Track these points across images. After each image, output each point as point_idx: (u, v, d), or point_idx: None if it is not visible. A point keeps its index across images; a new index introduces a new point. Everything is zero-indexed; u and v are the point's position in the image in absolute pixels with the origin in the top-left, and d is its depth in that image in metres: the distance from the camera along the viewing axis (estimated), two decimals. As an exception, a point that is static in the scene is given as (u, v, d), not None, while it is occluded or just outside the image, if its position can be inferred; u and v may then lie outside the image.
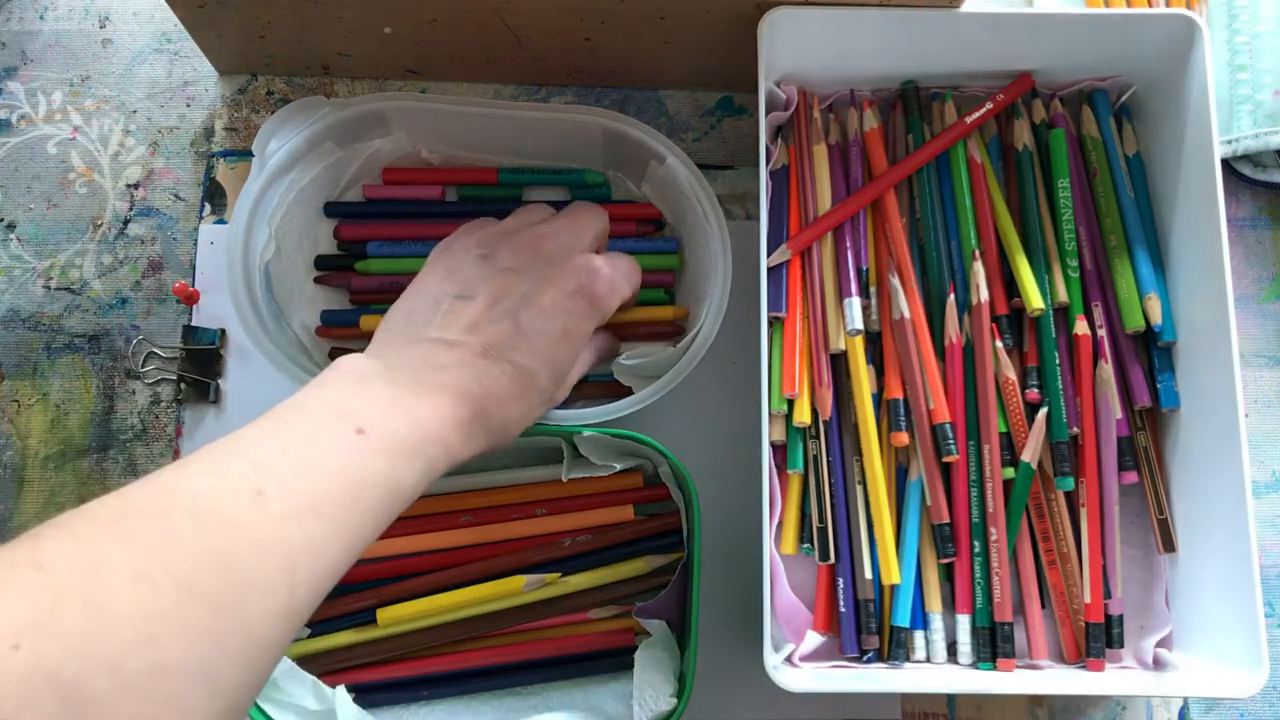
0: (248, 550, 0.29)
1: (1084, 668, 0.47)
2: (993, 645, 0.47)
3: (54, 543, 0.27)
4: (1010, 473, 0.48)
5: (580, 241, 0.44)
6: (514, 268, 0.42)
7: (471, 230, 0.45)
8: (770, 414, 0.46)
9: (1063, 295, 0.49)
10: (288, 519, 0.30)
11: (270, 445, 0.32)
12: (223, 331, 0.53)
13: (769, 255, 0.48)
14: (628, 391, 0.48)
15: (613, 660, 0.47)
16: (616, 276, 0.44)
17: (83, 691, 0.24)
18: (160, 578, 0.27)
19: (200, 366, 0.52)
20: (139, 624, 0.26)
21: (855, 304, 0.48)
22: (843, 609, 0.47)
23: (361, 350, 0.41)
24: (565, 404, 0.50)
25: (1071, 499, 0.49)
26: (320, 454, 0.33)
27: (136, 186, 0.55)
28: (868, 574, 0.47)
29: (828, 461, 0.48)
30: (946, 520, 0.47)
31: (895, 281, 0.49)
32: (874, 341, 0.50)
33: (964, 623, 0.47)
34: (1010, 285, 0.50)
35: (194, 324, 0.53)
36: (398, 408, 0.36)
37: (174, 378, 0.53)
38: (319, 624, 0.47)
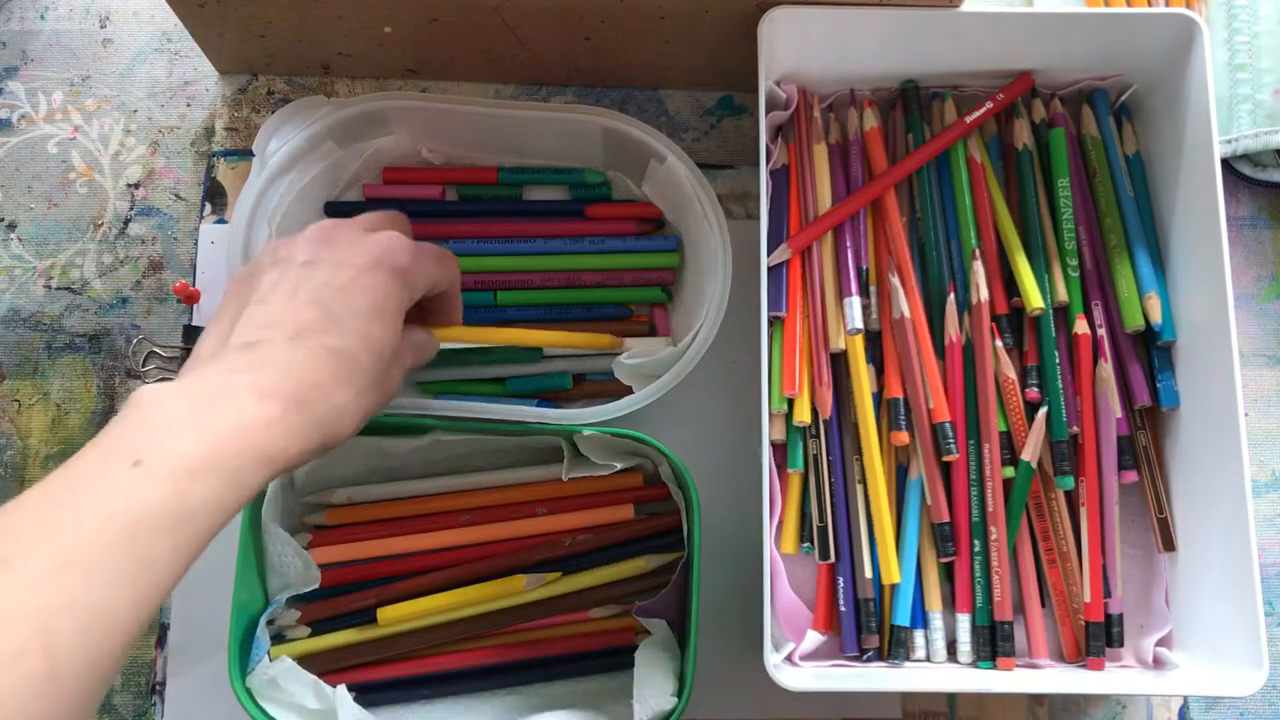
0: None
1: (1084, 667, 0.47)
2: (993, 644, 0.47)
3: None
4: (1010, 472, 0.48)
5: (373, 228, 0.42)
6: (308, 260, 0.40)
7: (264, 253, 0.42)
8: (770, 413, 0.46)
9: (1063, 294, 0.49)
10: (38, 580, 0.29)
11: (33, 502, 0.31)
12: (223, 331, 0.53)
13: (769, 254, 0.48)
14: (628, 391, 0.48)
15: (613, 660, 0.47)
16: (420, 254, 0.42)
17: None
18: None
19: (200, 366, 0.52)
20: None
21: (855, 303, 0.49)
22: (843, 608, 0.47)
23: None
24: (566, 403, 0.50)
25: (1071, 498, 0.49)
26: (89, 499, 0.31)
27: (137, 186, 0.55)
28: (868, 573, 0.47)
29: (828, 461, 0.48)
30: (946, 519, 0.47)
31: (895, 281, 0.49)
32: (874, 341, 0.50)
33: (964, 622, 0.47)
34: (1010, 284, 0.50)
35: (195, 323, 0.53)
36: (187, 424, 0.33)
37: (175, 377, 0.53)
38: (319, 623, 0.47)
